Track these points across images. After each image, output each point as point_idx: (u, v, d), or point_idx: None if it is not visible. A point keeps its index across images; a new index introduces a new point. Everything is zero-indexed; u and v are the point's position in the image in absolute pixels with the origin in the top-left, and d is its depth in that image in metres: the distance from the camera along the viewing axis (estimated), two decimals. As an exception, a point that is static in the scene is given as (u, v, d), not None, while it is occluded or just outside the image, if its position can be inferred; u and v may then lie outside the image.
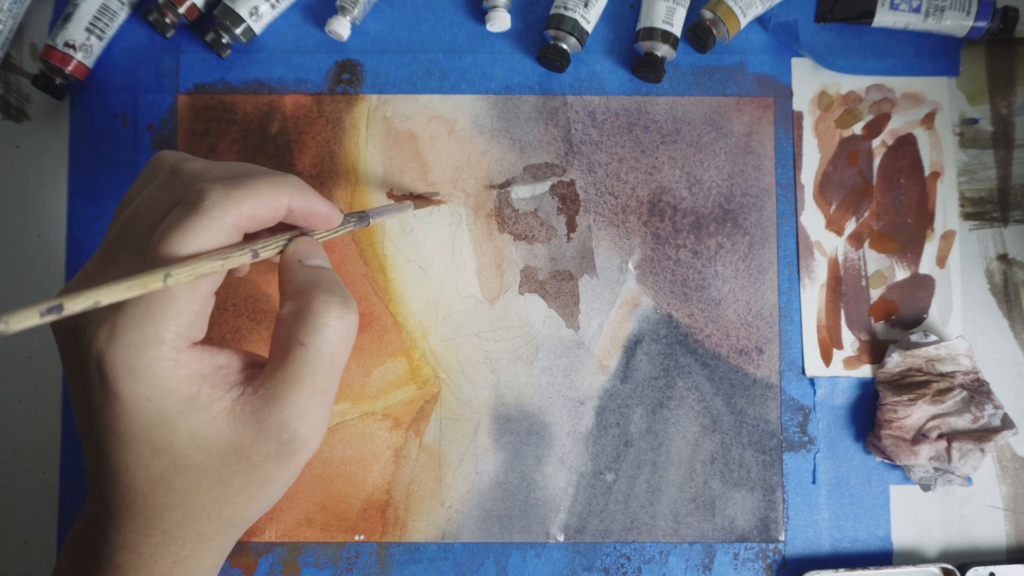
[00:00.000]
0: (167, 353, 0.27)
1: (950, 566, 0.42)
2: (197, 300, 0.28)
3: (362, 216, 0.36)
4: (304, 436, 0.29)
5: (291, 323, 0.29)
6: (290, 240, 0.31)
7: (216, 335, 0.44)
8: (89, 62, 0.44)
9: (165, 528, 0.29)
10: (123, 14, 0.44)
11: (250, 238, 0.31)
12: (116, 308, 0.27)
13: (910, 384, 0.42)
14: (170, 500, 0.29)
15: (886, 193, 0.45)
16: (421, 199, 0.44)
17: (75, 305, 0.24)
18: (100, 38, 0.44)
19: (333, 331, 0.29)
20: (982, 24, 0.44)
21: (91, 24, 0.43)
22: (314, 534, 0.43)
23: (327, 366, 0.29)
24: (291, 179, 0.30)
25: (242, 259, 0.29)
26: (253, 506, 0.31)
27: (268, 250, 0.30)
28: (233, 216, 0.28)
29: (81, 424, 0.30)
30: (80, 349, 0.28)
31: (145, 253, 0.28)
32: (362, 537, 0.43)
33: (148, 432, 0.28)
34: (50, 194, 0.45)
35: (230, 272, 0.33)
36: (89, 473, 0.30)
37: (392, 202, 0.44)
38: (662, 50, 0.44)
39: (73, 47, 0.43)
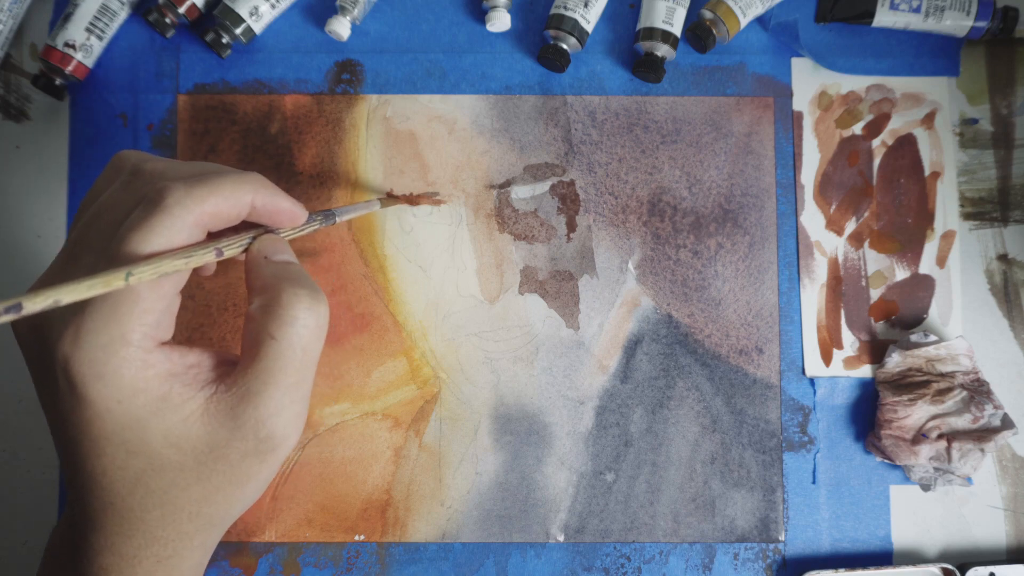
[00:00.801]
0: (134, 354, 0.27)
1: (950, 566, 0.42)
2: (162, 299, 0.27)
3: (328, 215, 0.35)
4: (281, 433, 0.29)
5: (260, 318, 0.28)
6: (255, 238, 0.31)
7: (216, 335, 0.44)
8: (89, 62, 0.44)
9: (146, 529, 0.29)
10: (123, 14, 0.44)
11: (215, 236, 0.30)
12: (80, 311, 0.27)
13: (910, 384, 0.42)
14: (149, 501, 0.29)
15: (886, 193, 0.45)
16: (406, 198, 0.44)
17: (34, 304, 0.23)
18: (100, 38, 0.44)
19: (303, 323, 0.28)
20: (982, 24, 0.44)
21: (91, 24, 0.43)
22: (314, 534, 0.43)
23: (300, 359, 0.29)
24: (254, 176, 0.30)
25: (206, 257, 0.28)
26: (234, 504, 0.30)
27: (232, 248, 0.30)
28: (195, 214, 0.28)
29: (53, 429, 0.29)
30: (45, 353, 0.28)
31: (107, 252, 0.27)
32: (362, 537, 0.43)
33: (121, 434, 0.27)
34: (50, 194, 0.45)
35: (197, 271, 0.32)
36: (66, 477, 0.30)
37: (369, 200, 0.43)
38: (662, 50, 0.44)
39: (73, 47, 0.43)
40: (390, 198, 0.44)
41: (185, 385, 0.28)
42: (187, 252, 0.28)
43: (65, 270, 0.29)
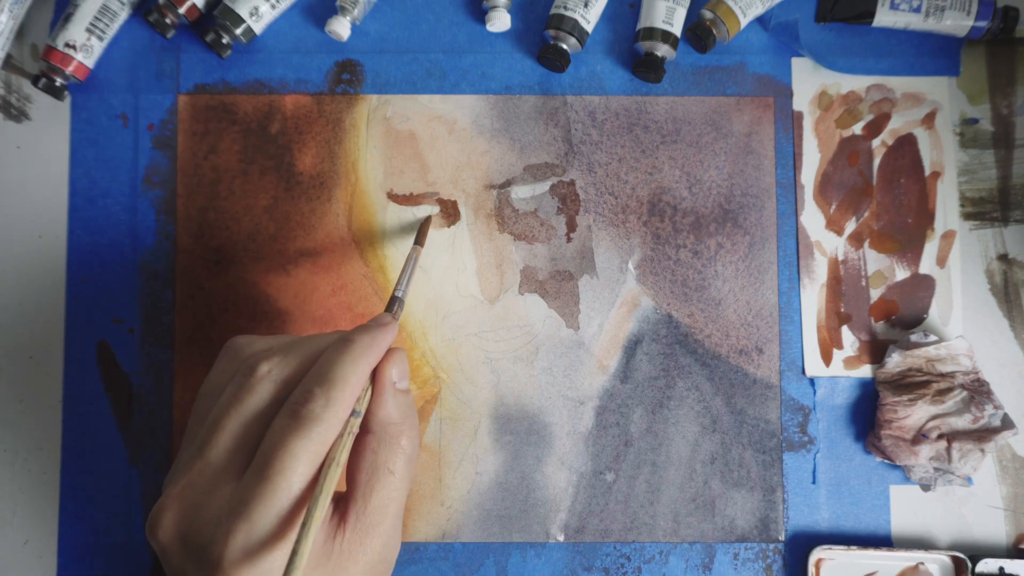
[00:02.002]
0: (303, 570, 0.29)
1: (961, 555, 0.42)
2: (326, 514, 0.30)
3: (398, 302, 0.36)
4: (394, 556, 0.32)
5: (381, 451, 0.31)
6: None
7: (216, 335, 0.44)
8: (90, 62, 0.44)
9: None
10: (123, 14, 0.44)
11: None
12: (246, 517, 0.28)
13: (910, 384, 0.42)
14: None
15: (886, 193, 0.45)
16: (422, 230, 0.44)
17: None
18: (100, 38, 0.44)
19: (413, 458, 0.32)
20: (982, 24, 0.44)
21: (91, 24, 0.43)
22: (314, 534, 0.43)
23: (407, 488, 0.32)
24: (362, 347, 0.31)
25: (356, 427, 0.31)
26: None
27: (363, 403, 0.32)
28: (345, 412, 0.30)
29: None
30: (205, 559, 0.29)
31: (269, 468, 0.29)
32: (362, 537, 0.43)
33: None
34: (50, 194, 0.45)
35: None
36: None
37: (408, 257, 0.41)
38: (662, 50, 0.44)
39: (74, 47, 0.43)
40: (420, 231, 0.43)
41: (322, 542, 0.30)
42: (348, 429, 0.30)
43: (213, 487, 0.30)
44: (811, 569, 0.42)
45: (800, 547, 0.43)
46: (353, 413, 0.30)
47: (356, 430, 0.31)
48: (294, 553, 0.27)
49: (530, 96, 0.45)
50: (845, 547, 0.42)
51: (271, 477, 0.28)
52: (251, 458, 0.30)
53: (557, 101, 0.45)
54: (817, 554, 0.42)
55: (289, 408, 0.30)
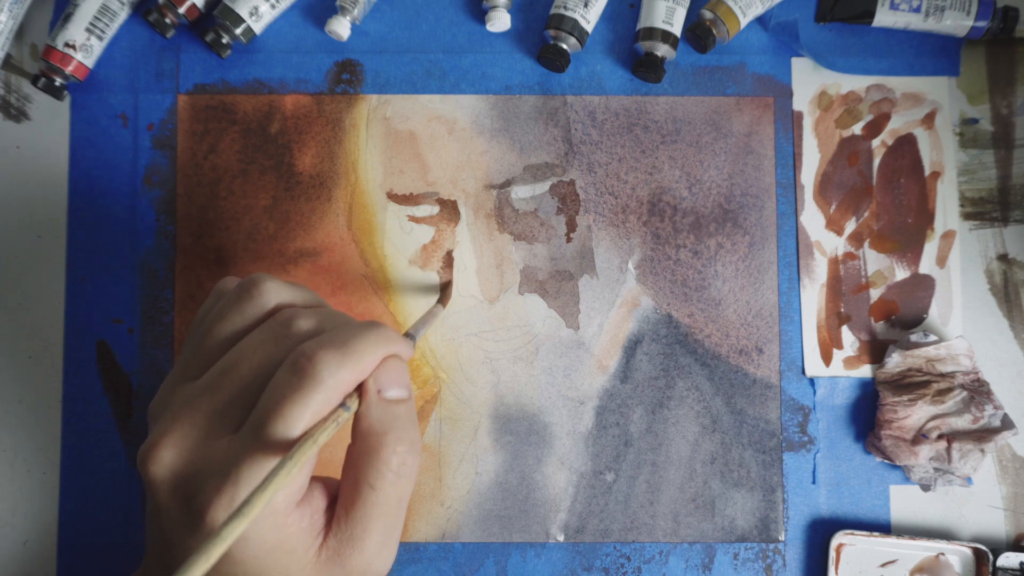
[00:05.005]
0: (279, 519, 0.28)
1: (983, 547, 0.42)
2: (308, 469, 0.29)
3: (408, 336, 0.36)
4: (380, 571, 0.31)
5: (361, 464, 0.30)
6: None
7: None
8: (89, 62, 0.44)
9: None
10: (123, 14, 0.44)
11: None
12: (233, 479, 0.27)
13: (910, 384, 0.42)
14: None
15: (886, 193, 0.45)
16: (444, 285, 0.44)
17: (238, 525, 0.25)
18: (100, 38, 0.44)
19: (399, 474, 0.30)
20: (982, 24, 0.44)
21: (91, 24, 0.43)
22: (314, 534, 0.43)
23: (395, 507, 0.30)
24: (385, 333, 0.30)
25: (342, 418, 0.29)
26: None
27: (355, 400, 0.30)
28: (346, 385, 0.29)
29: (166, 543, 0.30)
30: (191, 509, 0.29)
31: (260, 421, 0.28)
32: (362, 537, 0.43)
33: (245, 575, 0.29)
34: (50, 194, 0.45)
35: None
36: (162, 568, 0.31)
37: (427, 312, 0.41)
38: (662, 50, 0.44)
39: (73, 47, 0.43)
40: (443, 292, 0.43)
41: (306, 536, 0.29)
42: (334, 416, 0.28)
43: (213, 423, 0.29)
44: (831, 554, 0.42)
45: (800, 547, 0.43)
46: (343, 405, 0.29)
47: (341, 421, 0.29)
48: (237, 513, 0.25)
49: (530, 96, 0.45)
50: (867, 533, 0.42)
51: (263, 442, 0.27)
52: (253, 403, 0.29)
53: (557, 101, 0.45)
54: (838, 539, 0.42)
55: (294, 363, 0.28)
